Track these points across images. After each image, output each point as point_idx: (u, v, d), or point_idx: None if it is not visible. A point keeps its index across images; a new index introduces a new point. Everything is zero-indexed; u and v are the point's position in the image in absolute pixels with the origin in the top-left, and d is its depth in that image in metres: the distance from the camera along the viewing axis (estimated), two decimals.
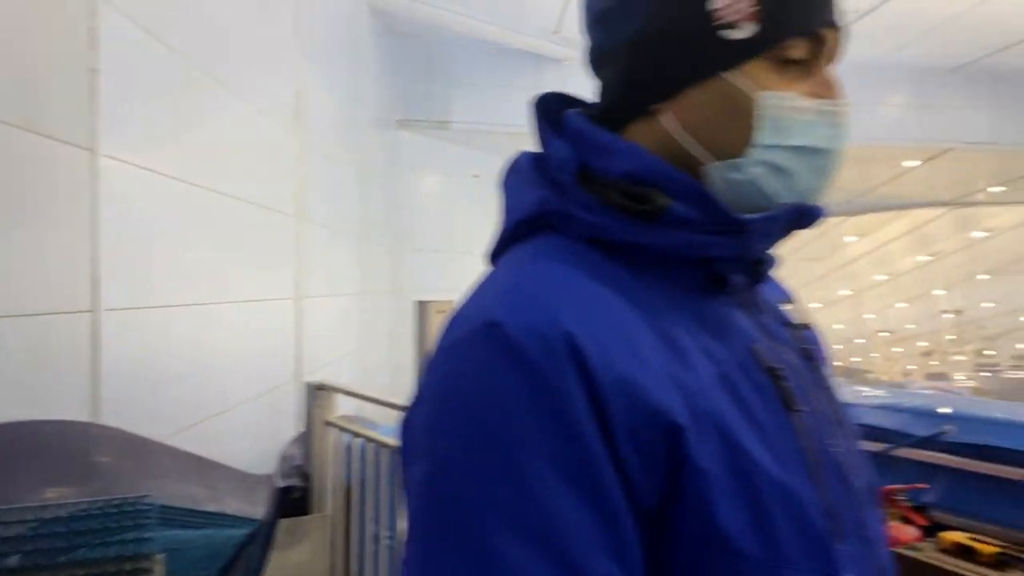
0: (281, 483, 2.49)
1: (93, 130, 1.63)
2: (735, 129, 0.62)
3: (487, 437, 0.52)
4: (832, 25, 0.63)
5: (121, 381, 1.71)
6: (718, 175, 0.63)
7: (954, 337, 23.79)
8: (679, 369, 0.57)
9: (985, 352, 23.25)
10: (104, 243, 1.66)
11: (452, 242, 6.85)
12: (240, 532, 1.88)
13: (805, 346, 0.69)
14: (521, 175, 0.68)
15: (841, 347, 26.74)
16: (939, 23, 6.26)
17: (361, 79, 5.07)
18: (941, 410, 1.90)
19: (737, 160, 0.62)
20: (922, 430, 1.85)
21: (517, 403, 0.52)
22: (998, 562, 1.41)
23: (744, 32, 0.60)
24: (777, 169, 0.62)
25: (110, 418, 1.65)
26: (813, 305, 24.33)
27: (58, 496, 1.25)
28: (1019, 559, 1.42)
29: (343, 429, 2.79)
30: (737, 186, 0.62)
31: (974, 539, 1.47)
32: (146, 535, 1.08)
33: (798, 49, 0.61)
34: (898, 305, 23.39)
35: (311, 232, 3.46)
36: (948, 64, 7.34)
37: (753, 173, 0.62)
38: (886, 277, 21.53)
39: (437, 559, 0.52)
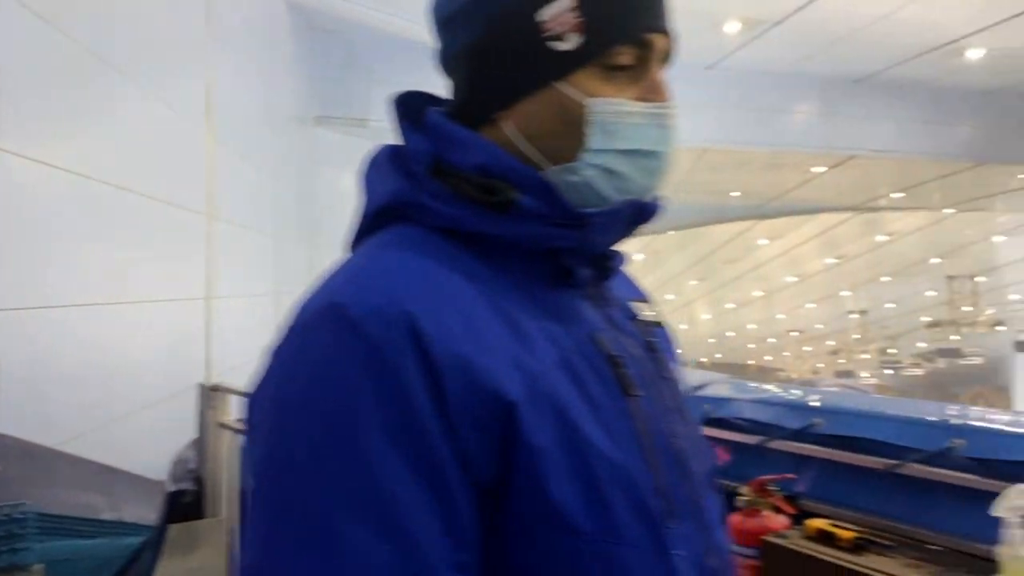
0: (172, 487, 2.42)
1: None
2: (568, 135, 0.64)
3: (326, 417, 0.53)
4: (659, 30, 0.65)
5: (12, 385, 1.64)
6: (556, 178, 0.65)
7: (859, 336, 24.93)
8: (521, 352, 0.59)
9: (888, 351, 24.43)
10: None
11: None
12: (138, 540, 1.83)
13: (651, 339, 0.72)
14: (380, 168, 0.70)
15: (754, 346, 27.66)
16: (844, 36, 6.54)
17: (277, 75, 4.97)
18: (812, 404, 2.03)
19: (572, 164, 0.65)
20: (795, 423, 1.96)
21: (356, 382, 0.53)
22: (855, 546, 1.51)
23: (571, 43, 0.63)
24: (609, 172, 0.65)
25: (0, 424, 1.58)
26: (728, 306, 25.05)
27: None
28: (873, 542, 1.53)
29: (238, 431, 2.72)
30: (574, 187, 0.65)
31: (835, 525, 1.56)
32: (21, 545, 1.04)
33: (625, 56, 0.64)
34: (808, 305, 24.32)
35: (223, 230, 3.38)
36: (852, 75, 7.67)
37: (587, 175, 0.65)
38: (796, 279, 22.32)
39: (277, 540, 0.52)
